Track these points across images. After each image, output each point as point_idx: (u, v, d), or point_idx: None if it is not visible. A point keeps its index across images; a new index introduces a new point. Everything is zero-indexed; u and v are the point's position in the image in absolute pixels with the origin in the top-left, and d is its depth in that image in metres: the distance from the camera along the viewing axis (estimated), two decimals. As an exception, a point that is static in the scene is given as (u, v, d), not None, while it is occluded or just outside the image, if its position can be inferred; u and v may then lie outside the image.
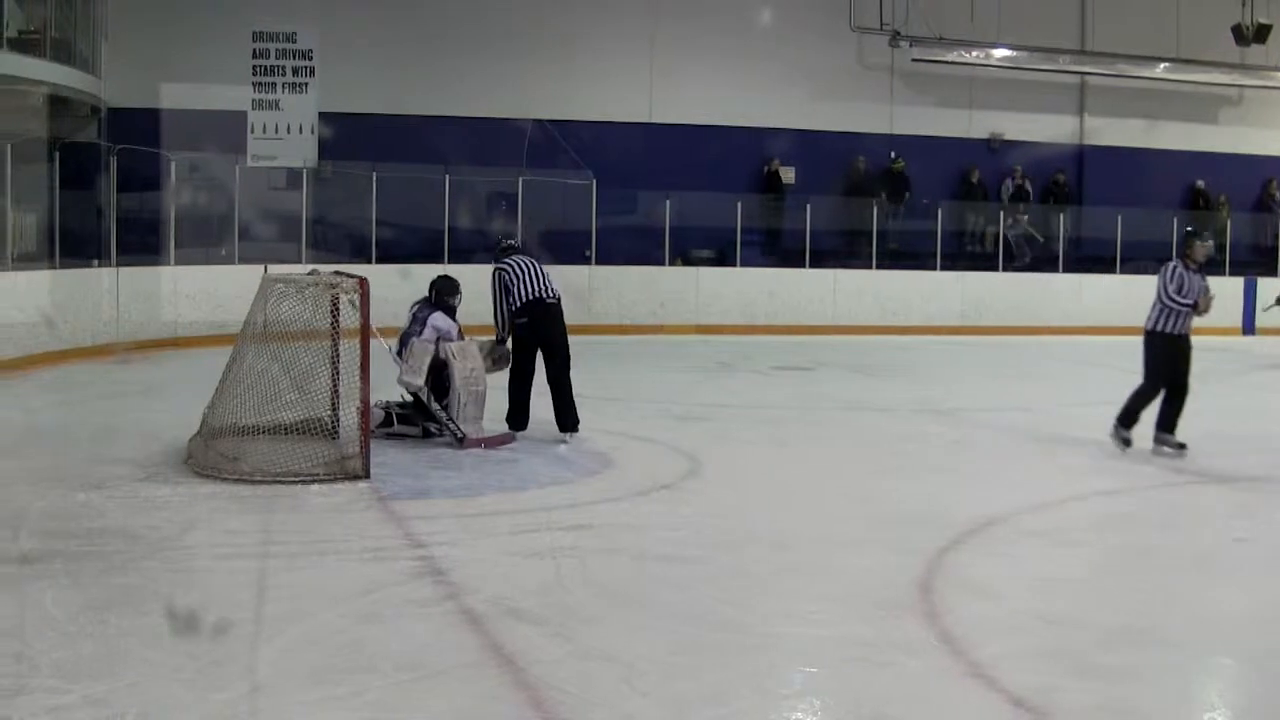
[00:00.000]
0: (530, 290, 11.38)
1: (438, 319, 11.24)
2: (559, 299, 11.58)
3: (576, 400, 11.46)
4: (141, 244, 19.63)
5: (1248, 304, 26.21)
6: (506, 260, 11.59)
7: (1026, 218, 26.94)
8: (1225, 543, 8.50)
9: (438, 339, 11.09)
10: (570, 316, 11.88)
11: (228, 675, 5.36)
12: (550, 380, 11.42)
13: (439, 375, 11.01)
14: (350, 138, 22.80)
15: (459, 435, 10.83)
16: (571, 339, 11.57)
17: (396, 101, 23.85)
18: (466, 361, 11.11)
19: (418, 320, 11.27)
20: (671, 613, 6.36)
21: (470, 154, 23.25)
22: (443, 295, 11.52)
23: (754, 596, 6.79)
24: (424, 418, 11.19)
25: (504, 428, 11.41)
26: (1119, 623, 6.35)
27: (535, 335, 11.43)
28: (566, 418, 11.39)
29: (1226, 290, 26.05)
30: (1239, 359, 21.08)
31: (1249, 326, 26.06)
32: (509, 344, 11.63)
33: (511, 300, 11.40)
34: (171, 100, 22.15)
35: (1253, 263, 27.26)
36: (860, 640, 6.01)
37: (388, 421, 11.16)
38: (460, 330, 11.38)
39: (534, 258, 11.77)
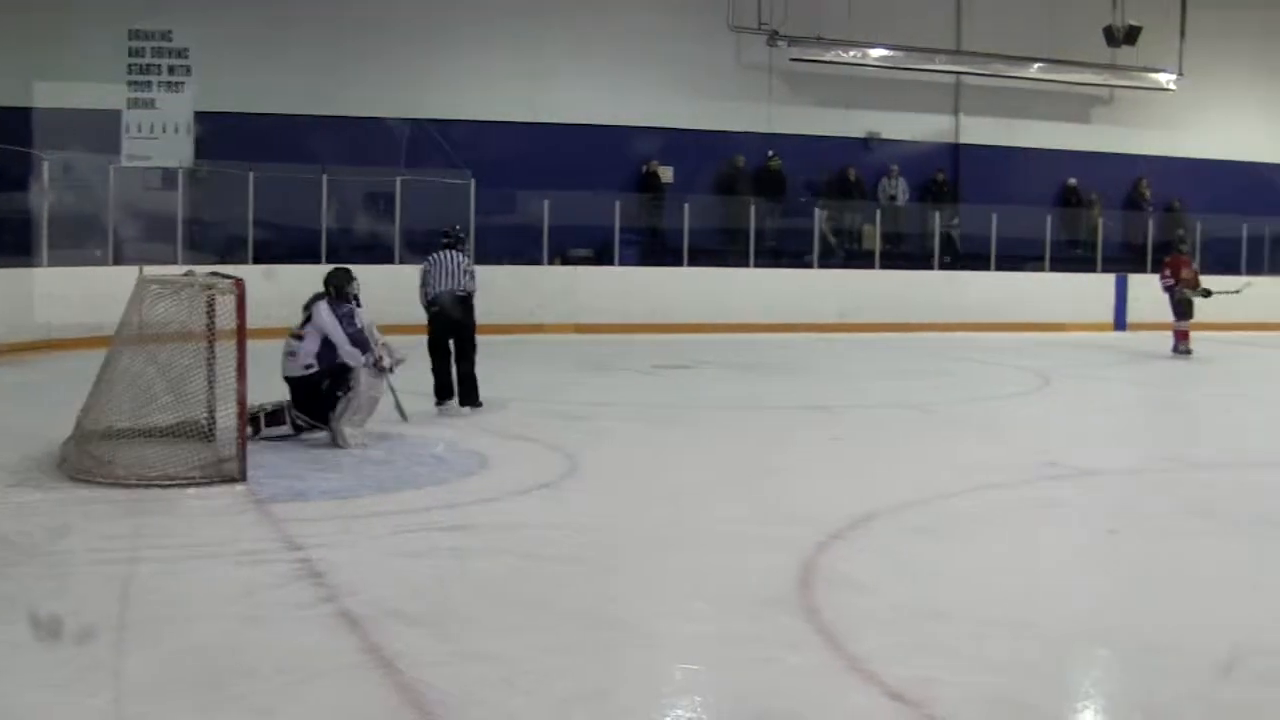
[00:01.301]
0: (441, 283, 13.06)
1: (362, 315, 11.24)
2: (469, 294, 13.24)
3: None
4: (13, 245, 19.26)
5: (1119, 301, 26.73)
6: (433, 254, 13.31)
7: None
8: (1100, 535, 8.65)
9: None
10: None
11: (101, 681, 5.28)
12: (455, 362, 13.04)
13: (343, 374, 10.89)
14: (227, 137, 22.49)
15: (404, 416, 11.53)
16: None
17: (273, 101, 23.53)
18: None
19: (343, 318, 11.05)
20: (552, 611, 6.36)
21: (348, 154, 23.07)
22: (343, 287, 11.32)
23: (634, 594, 6.80)
24: (292, 413, 11.10)
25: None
26: (996, 615, 6.43)
27: (443, 320, 13.05)
28: (468, 396, 12.96)
29: (1097, 288, 26.71)
30: (1112, 355, 21.48)
31: (1120, 323, 26.56)
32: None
33: (427, 291, 13.10)
34: (44, 99, 21.71)
35: (1123, 259, 27.75)
36: (741, 636, 6.05)
37: (255, 427, 10.71)
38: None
39: (466, 255, 13.52)
